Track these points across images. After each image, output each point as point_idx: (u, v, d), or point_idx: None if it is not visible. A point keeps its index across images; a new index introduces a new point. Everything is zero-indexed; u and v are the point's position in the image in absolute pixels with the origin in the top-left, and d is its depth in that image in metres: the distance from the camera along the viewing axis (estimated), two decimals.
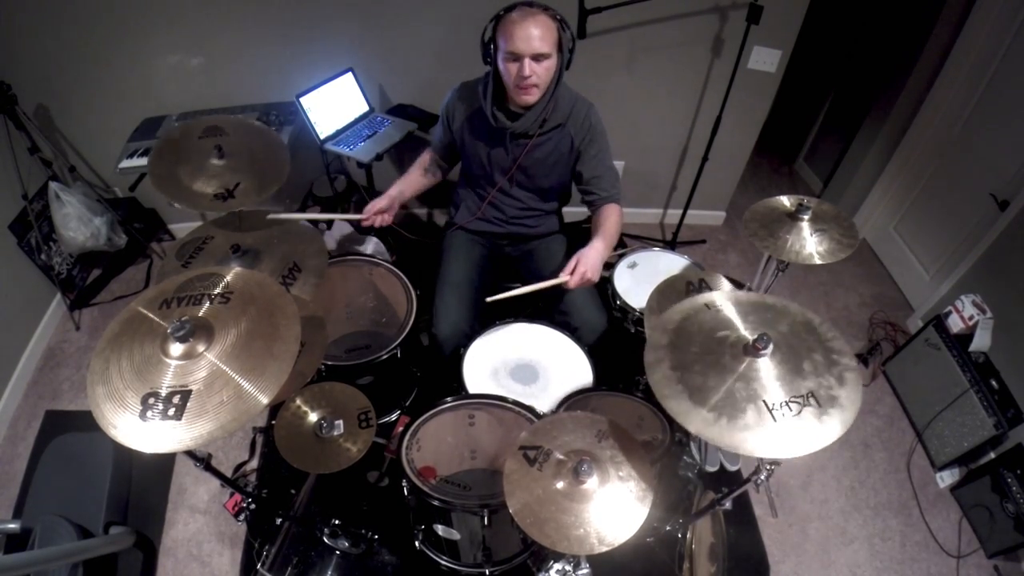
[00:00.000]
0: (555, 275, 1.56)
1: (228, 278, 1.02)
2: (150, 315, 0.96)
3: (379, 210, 1.71)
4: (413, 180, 1.89)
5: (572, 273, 1.55)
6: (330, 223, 2.27)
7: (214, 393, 0.86)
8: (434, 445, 1.50)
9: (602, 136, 1.71)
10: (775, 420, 0.95)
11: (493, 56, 1.51)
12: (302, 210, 2.48)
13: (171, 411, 0.84)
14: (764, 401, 0.96)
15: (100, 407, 0.85)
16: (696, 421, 0.96)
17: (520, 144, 1.66)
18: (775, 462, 1.26)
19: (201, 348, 0.90)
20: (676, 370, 1.03)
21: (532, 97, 1.52)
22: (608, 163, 1.75)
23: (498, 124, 1.60)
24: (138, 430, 0.83)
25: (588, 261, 1.57)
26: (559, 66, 1.52)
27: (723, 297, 1.16)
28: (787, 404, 0.96)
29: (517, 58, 1.44)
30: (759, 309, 1.12)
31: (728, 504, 1.43)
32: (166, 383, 0.86)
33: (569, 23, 1.50)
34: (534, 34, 1.41)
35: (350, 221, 2.20)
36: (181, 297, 0.99)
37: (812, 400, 0.97)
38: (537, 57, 1.44)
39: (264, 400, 0.87)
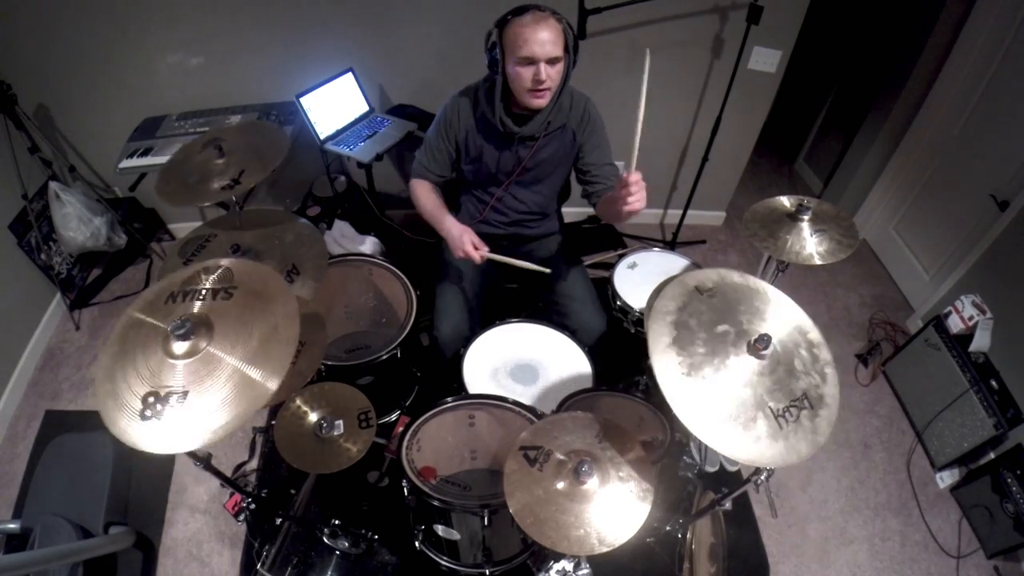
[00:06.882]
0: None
1: (222, 270, 1.01)
2: (148, 319, 0.96)
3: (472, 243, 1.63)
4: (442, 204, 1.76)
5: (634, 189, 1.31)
6: (331, 222, 2.27)
7: (215, 390, 0.86)
8: (434, 445, 1.50)
9: (601, 128, 1.69)
10: (781, 428, 0.93)
11: (501, 61, 1.47)
12: (302, 211, 2.47)
13: (171, 411, 0.84)
14: (770, 407, 0.95)
15: (105, 406, 0.85)
16: (716, 436, 0.92)
17: (526, 146, 1.65)
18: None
19: (203, 344, 0.90)
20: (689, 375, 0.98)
21: (544, 100, 1.51)
22: (609, 156, 1.72)
23: (506, 129, 1.59)
24: (138, 430, 0.83)
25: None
26: (567, 68, 1.51)
27: (693, 279, 1.08)
28: (788, 410, 0.95)
29: (532, 62, 1.42)
30: (737, 291, 1.08)
31: (728, 504, 1.43)
32: (167, 382, 0.86)
33: (571, 24, 1.49)
34: (547, 38, 1.40)
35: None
36: (176, 293, 0.98)
37: (806, 402, 0.96)
38: (552, 61, 1.43)
39: (271, 386, 0.87)
